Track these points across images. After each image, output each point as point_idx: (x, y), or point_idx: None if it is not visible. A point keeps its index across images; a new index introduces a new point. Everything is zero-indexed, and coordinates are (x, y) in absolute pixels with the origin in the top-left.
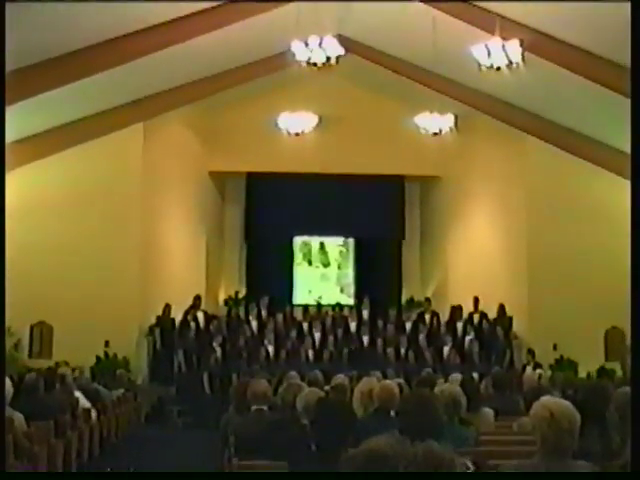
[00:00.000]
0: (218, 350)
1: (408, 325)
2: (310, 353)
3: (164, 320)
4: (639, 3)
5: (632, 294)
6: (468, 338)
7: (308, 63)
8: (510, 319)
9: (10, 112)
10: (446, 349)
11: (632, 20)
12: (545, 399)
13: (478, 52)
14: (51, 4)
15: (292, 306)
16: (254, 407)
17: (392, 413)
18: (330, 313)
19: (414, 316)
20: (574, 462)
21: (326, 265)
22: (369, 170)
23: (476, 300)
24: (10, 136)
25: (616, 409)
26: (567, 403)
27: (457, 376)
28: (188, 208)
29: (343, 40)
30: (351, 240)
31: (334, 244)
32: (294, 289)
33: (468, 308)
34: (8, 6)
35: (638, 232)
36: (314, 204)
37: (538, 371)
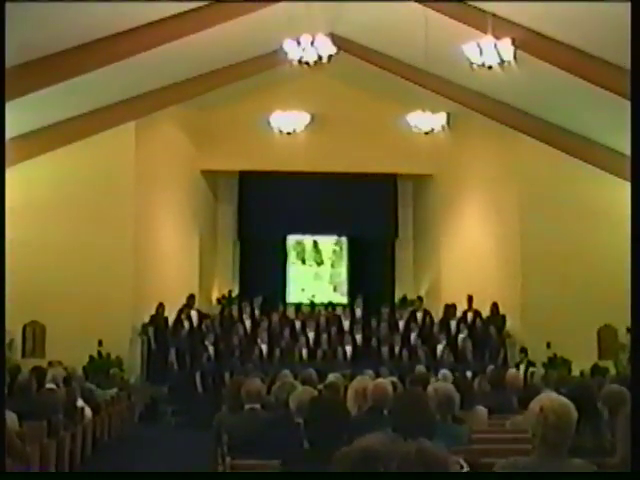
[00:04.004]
0: (211, 349)
1: (401, 324)
2: (304, 352)
3: (157, 319)
4: (639, 3)
5: (632, 294)
6: (461, 336)
7: (300, 62)
8: (503, 317)
9: None
10: (440, 347)
11: (632, 20)
12: (542, 395)
13: (470, 50)
14: (41, 3)
15: (285, 305)
16: (247, 406)
17: (385, 412)
18: (323, 312)
19: (406, 315)
20: (569, 460)
21: (319, 264)
22: (362, 169)
23: (470, 298)
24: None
25: (605, 406)
26: (562, 400)
27: (446, 372)
28: (181, 207)
29: (335, 39)
30: (344, 239)
31: (327, 243)
32: (287, 288)
33: (462, 306)
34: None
35: (638, 232)
36: (307, 203)
37: (531, 369)
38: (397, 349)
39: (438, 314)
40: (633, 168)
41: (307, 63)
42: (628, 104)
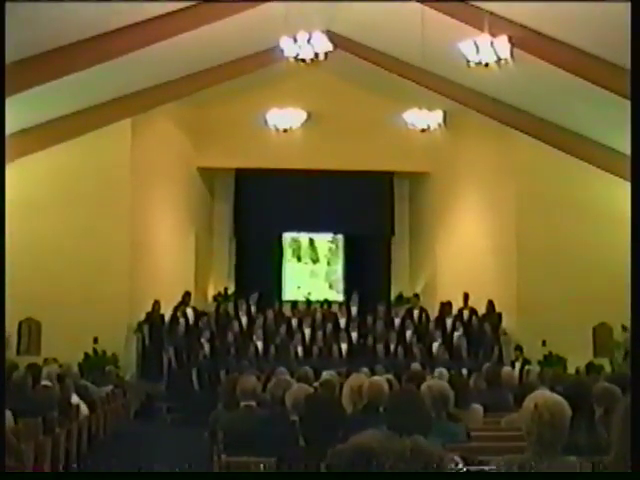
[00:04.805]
0: (207, 346)
1: (397, 321)
2: (299, 349)
3: (153, 316)
4: (639, 3)
5: (632, 294)
6: (457, 334)
7: (296, 59)
8: (499, 315)
9: None
10: (435, 345)
11: (632, 20)
12: (535, 392)
13: (466, 48)
14: (39, 2)
15: (281, 302)
16: (243, 403)
17: (381, 409)
18: (319, 309)
19: (402, 312)
20: (564, 457)
21: (315, 261)
22: (358, 166)
23: (466, 296)
24: None
25: (598, 403)
26: (556, 398)
27: (442, 370)
28: (177, 204)
29: (332, 36)
30: (340, 236)
31: (323, 240)
32: (283, 285)
33: (458, 304)
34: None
35: (638, 232)
36: (303, 200)
37: (527, 367)
38: (393, 347)
39: (434, 312)
40: (633, 168)
41: (303, 60)
42: (625, 102)
